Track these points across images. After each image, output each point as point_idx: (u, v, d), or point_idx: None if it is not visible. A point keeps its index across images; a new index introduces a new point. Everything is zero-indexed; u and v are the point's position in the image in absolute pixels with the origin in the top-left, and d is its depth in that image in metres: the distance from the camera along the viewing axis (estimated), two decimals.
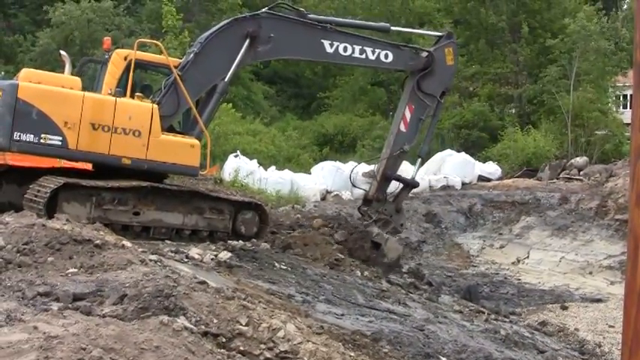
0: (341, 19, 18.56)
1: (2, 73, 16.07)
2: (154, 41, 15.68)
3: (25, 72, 13.85)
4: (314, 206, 23.15)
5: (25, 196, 12.84)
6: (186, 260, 11.38)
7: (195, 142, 13.96)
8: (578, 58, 36.46)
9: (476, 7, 42.96)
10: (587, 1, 43.87)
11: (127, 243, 10.44)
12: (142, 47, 15.58)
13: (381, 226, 16.51)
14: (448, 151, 30.31)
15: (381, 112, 48.43)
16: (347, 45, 15.79)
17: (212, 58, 14.66)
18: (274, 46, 15.16)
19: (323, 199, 25.95)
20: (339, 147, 42.00)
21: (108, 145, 13.22)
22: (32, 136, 12.76)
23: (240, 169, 25.30)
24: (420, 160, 18.00)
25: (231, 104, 36.94)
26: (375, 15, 50.90)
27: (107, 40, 15.21)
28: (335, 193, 26.26)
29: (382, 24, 18.25)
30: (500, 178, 30.38)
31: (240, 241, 14.20)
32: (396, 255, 16.44)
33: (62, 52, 16.14)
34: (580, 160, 29.90)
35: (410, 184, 17.38)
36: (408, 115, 16.79)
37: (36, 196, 12.52)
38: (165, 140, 13.67)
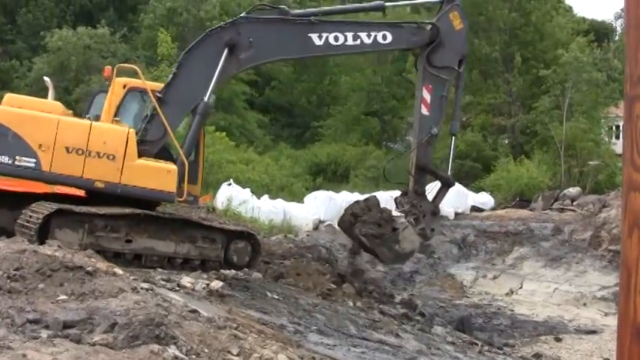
0: (329, 8, 17.73)
1: None
2: (132, 65, 15.39)
3: (7, 97, 14.20)
4: (307, 235, 23.12)
5: (17, 221, 12.83)
6: (177, 289, 11.31)
7: (172, 167, 13.69)
8: (571, 88, 36.65)
9: (469, 37, 43.10)
10: (579, 32, 44.18)
11: (119, 270, 10.38)
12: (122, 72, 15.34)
13: (411, 222, 15.37)
14: None
15: (374, 141, 48.56)
16: (337, 34, 14.84)
17: (192, 75, 14.34)
18: (257, 50, 14.58)
19: (316, 228, 25.93)
20: (333, 176, 42.05)
21: (81, 169, 13.30)
22: (7, 157, 13.10)
23: (233, 197, 25.27)
24: (454, 139, 16.66)
25: (225, 132, 37.04)
26: None
27: (108, 69, 15.01)
28: (328, 222, 26.22)
29: (375, 2, 16.62)
30: (493, 209, 30.41)
31: (233, 270, 14.14)
32: (409, 248, 15.22)
33: (45, 78, 16.25)
34: (573, 190, 29.96)
35: (446, 182, 16.04)
36: (427, 96, 15.40)
37: (28, 221, 12.52)
38: (140, 165, 13.56)
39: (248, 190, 26.84)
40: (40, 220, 12.33)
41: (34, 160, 13.16)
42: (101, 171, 13.35)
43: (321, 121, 51.60)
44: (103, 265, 10.50)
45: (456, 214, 28.40)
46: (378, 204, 15.79)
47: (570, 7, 59.30)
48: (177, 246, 13.96)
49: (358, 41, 14.98)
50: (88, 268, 9.25)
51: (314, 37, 14.72)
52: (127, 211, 13.31)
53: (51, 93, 15.12)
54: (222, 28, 14.71)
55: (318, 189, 32.07)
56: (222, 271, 13.91)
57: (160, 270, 13.10)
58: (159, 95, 14.20)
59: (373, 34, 15.07)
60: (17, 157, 13.11)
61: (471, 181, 35.75)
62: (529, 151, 38.62)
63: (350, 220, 15.62)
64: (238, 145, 39.33)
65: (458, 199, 29.11)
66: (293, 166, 41.60)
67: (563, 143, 35.16)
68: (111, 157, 13.39)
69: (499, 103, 42.78)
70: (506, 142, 42.92)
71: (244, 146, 40.90)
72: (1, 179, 14.52)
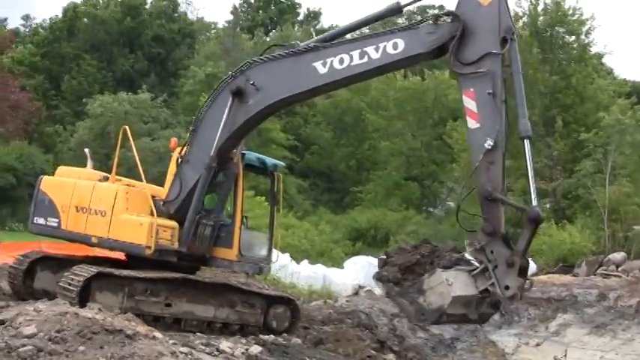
0: (338, 29, 14.80)
1: None
2: (125, 127, 15.59)
3: (60, 169, 15.78)
4: (346, 301, 22.90)
5: (59, 283, 12.97)
6: (216, 353, 11.28)
7: (145, 220, 13.60)
8: (614, 151, 36.27)
9: (509, 101, 43.08)
10: (621, 94, 43.93)
11: (158, 334, 10.37)
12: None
13: (478, 277, 11.33)
14: None
15: (414, 206, 48.36)
16: (342, 56, 12.80)
17: (207, 130, 14.07)
18: (264, 92, 13.59)
19: (355, 294, 25.69)
20: (372, 241, 41.76)
21: (84, 225, 14.11)
22: (42, 219, 14.64)
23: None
24: (527, 142, 11.87)
25: (264, 197, 37.20)
26: (407, 111, 51.52)
27: (174, 140, 15.14)
28: (367, 288, 25.97)
29: (389, 5, 13.55)
30: (535, 274, 29.89)
31: (272, 336, 14.06)
32: (436, 303, 11.22)
33: (85, 150, 16.91)
34: (618, 255, 29.42)
35: (528, 215, 11.31)
36: (470, 104, 12.01)
37: (69, 284, 12.67)
38: (122, 219, 13.79)
39: (287, 255, 26.75)
40: (81, 283, 12.45)
41: (57, 220, 14.43)
42: (96, 226, 14.03)
43: (361, 186, 51.64)
44: (142, 328, 10.50)
45: None
46: (441, 249, 12.26)
47: (612, 70, 59.16)
48: (217, 310, 14.01)
49: (365, 58, 12.66)
50: (128, 332, 9.26)
51: (318, 65, 13.03)
52: (167, 275, 13.39)
53: (89, 163, 15.96)
54: (233, 77, 14.05)
55: (357, 254, 31.85)
56: (261, 336, 13.87)
57: (199, 334, 13.10)
58: (180, 155, 14.40)
59: (382, 45, 12.53)
60: (48, 218, 14.55)
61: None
62: (571, 215, 38.08)
63: (380, 262, 12.94)
64: (278, 210, 39.40)
65: None
66: (332, 231, 41.46)
67: (607, 207, 34.66)
68: (103, 213, 13.96)
69: (540, 167, 42.41)
70: (548, 206, 42.37)
71: (284, 211, 40.94)
72: (45, 243, 15.94)
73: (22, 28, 75.44)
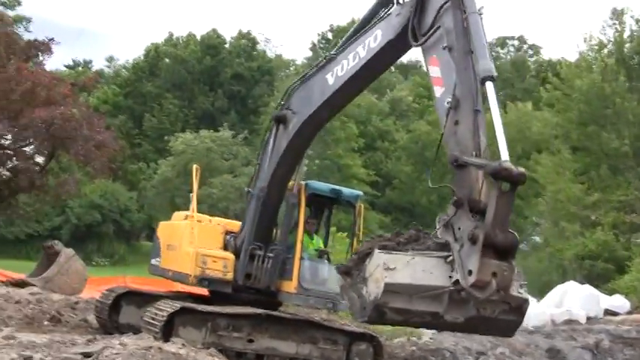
0: (348, 33, 13.38)
1: None
2: (195, 165, 16.14)
3: (175, 214, 16.55)
4: (430, 338, 22.41)
5: (143, 318, 13.14)
6: None
7: (191, 250, 13.86)
8: None
9: (596, 131, 41.90)
10: None
11: None
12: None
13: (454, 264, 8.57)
14: (571, 283, 29.07)
15: None
16: (343, 61, 12.33)
17: (264, 162, 14.34)
18: (298, 114, 13.51)
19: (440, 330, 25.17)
20: None
21: (168, 261, 14.84)
22: (154, 260, 15.44)
23: None
24: (491, 85, 9.24)
25: (346, 233, 37.04)
26: (489, 143, 50.81)
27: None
28: None
29: None
30: (629, 312, 28.81)
31: None
32: (374, 292, 8.51)
33: (191, 194, 17.14)
34: None
35: (491, 171, 8.66)
36: (434, 71, 10.22)
37: (153, 319, 12.79)
38: (182, 251, 14.24)
39: None
40: (164, 318, 12.50)
41: (159, 259, 15.20)
42: (172, 260, 14.65)
43: None
44: None
45: (588, 317, 27.03)
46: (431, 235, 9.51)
47: None
48: (299, 346, 13.80)
49: (357, 59, 12.00)
50: None
51: (328, 77, 12.69)
52: (250, 310, 13.31)
53: (193, 205, 15.94)
54: (281, 105, 14.21)
55: None
56: None
57: None
58: (248, 190, 14.70)
59: (367, 41, 11.83)
60: (156, 259, 15.35)
61: (604, 282, 34.13)
62: None
63: None
64: (358, 243, 39.16)
65: (589, 302, 27.81)
66: None
67: None
68: (176, 248, 14.60)
69: (631, 199, 41.09)
70: None
71: None
72: (130, 278, 17.16)
73: (106, 69, 77.93)
